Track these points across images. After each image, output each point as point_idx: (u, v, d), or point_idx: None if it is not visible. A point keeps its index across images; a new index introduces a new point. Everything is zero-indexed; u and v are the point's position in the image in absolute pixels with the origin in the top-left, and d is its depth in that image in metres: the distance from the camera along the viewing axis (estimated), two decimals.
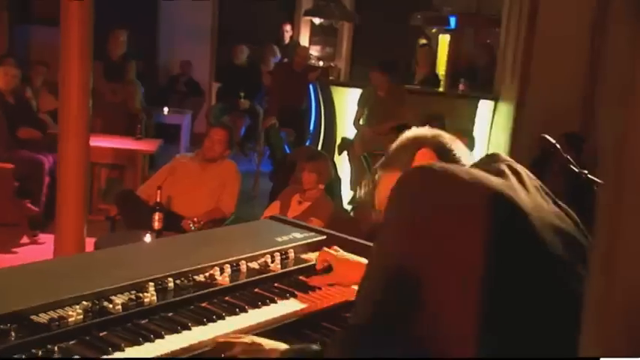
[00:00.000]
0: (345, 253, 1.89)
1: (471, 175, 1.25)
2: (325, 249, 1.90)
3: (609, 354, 0.60)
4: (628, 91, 0.58)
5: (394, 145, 1.59)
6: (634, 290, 0.60)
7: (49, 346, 1.37)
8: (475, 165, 1.40)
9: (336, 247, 1.91)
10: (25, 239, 5.35)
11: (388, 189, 1.39)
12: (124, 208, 4.61)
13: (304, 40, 10.05)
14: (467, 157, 1.53)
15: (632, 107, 0.59)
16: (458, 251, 1.14)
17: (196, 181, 4.59)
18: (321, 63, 9.22)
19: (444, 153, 1.50)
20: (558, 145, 1.92)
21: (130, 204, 4.54)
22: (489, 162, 1.38)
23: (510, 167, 1.34)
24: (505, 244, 1.15)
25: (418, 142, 1.54)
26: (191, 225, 4.19)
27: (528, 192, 1.27)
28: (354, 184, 6.62)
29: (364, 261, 1.76)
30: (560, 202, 1.31)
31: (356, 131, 6.89)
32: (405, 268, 1.17)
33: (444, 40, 9.08)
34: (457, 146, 1.54)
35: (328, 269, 1.87)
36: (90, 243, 4.21)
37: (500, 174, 1.29)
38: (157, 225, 4.05)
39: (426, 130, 1.58)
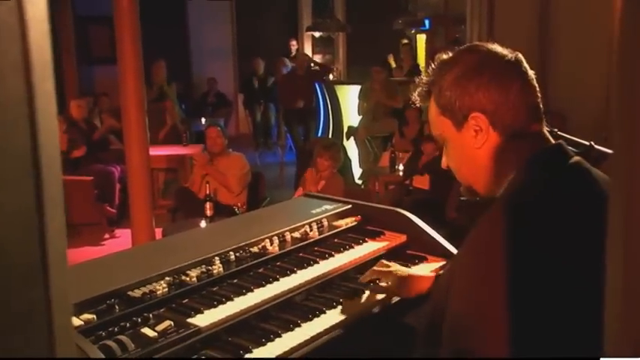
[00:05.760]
0: (400, 268, 1.54)
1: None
2: (377, 268, 1.55)
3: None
4: None
5: (447, 79, 1.01)
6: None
7: (144, 314, 1.39)
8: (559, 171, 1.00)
9: (385, 262, 1.58)
10: (105, 235, 5.42)
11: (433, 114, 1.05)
12: (181, 202, 4.64)
13: (308, 50, 9.99)
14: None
15: None
16: None
17: (213, 173, 4.53)
18: (317, 60, 9.11)
19: (506, 132, 0.94)
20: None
21: (185, 198, 4.56)
22: (565, 161, 1.03)
23: (583, 165, 1.03)
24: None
25: (473, 106, 0.95)
26: (236, 210, 4.21)
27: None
28: (362, 163, 6.62)
29: (423, 273, 1.52)
30: None
31: (359, 119, 6.88)
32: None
33: (421, 39, 9.05)
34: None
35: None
36: (157, 232, 4.26)
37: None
38: (209, 213, 4.08)
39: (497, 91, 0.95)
